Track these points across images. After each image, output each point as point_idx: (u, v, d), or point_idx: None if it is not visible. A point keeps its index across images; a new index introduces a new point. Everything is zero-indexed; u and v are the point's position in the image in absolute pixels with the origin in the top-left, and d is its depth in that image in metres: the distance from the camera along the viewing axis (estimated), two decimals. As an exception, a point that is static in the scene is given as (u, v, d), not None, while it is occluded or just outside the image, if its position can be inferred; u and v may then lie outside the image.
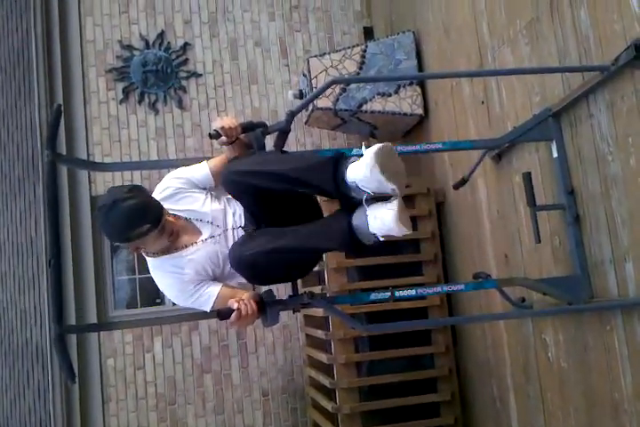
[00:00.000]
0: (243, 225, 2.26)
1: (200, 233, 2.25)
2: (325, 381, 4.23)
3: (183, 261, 2.21)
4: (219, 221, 2.26)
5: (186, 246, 2.23)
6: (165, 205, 2.21)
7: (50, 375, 4.76)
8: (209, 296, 2.19)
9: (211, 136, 2.27)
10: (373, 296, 2.51)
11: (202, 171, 2.30)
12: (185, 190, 2.27)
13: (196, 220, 2.26)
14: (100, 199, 2.17)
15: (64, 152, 4.99)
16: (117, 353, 4.99)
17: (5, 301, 4.95)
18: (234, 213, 2.29)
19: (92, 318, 4.95)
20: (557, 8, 2.93)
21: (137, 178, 5.07)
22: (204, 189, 2.32)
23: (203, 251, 2.22)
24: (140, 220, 2.05)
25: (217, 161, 2.32)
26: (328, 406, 4.16)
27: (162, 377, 5.02)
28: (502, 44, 3.49)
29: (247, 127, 2.32)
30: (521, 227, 3.42)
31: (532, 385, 3.46)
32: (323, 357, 4.26)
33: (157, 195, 2.28)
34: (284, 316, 4.99)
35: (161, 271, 2.25)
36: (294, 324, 5.16)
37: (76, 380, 2.08)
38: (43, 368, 4.80)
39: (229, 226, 2.26)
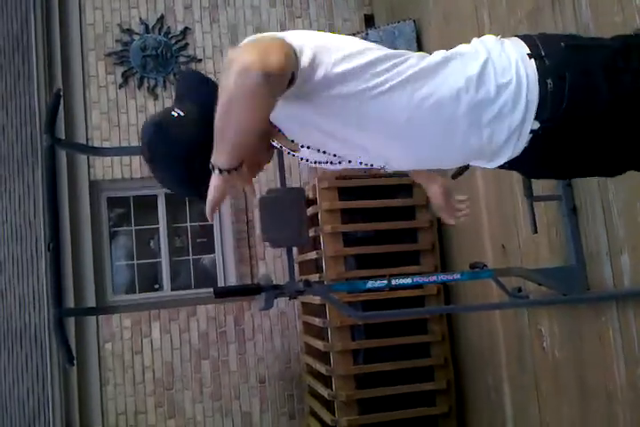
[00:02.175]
0: None
1: None
2: (322, 368, 4.26)
3: None
4: None
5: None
6: None
7: (48, 359, 4.79)
8: None
9: None
10: (370, 284, 2.53)
11: None
12: None
13: None
14: None
15: (63, 136, 4.98)
16: (115, 338, 5.01)
17: (4, 285, 4.96)
18: None
19: (91, 302, 4.97)
20: (559, -2, 2.92)
21: (136, 163, 5.06)
22: None
23: None
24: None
25: None
26: (324, 393, 4.19)
27: (159, 362, 5.04)
28: (503, 34, 3.47)
29: None
30: (518, 218, 3.42)
31: (527, 375, 3.48)
32: (319, 344, 4.29)
33: None
34: (282, 303, 5.02)
35: None
36: (292, 311, 5.18)
37: (75, 362, 2.08)
38: (41, 352, 4.82)
39: None
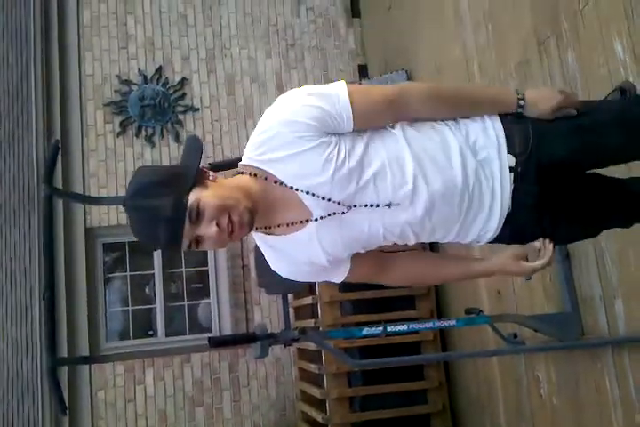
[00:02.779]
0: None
1: (308, 210, 1.41)
2: (318, 416, 4.20)
3: (287, 245, 1.47)
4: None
5: (289, 226, 1.43)
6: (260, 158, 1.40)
7: (40, 407, 4.71)
8: (336, 275, 1.55)
9: None
10: (366, 331, 2.54)
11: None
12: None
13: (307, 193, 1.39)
14: None
15: (60, 183, 5.03)
16: (108, 385, 4.94)
17: (-3, 332, 4.93)
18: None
19: (84, 348, 4.92)
20: (546, 51, 3.02)
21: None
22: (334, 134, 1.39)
23: (314, 235, 1.42)
24: (153, 240, 1.34)
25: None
26: (320, 441, 4.13)
27: (153, 410, 4.96)
28: (492, 85, 3.58)
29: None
30: (512, 263, 3.45)
31: (525, 422, 3.45)
32: (316, 391, 4.24)
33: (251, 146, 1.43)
34: (277, 349, 4.98)
35: (264, 246, 1.53)
36: (287, 357, 5.14)
37: (67, 412, 2.06)
38: (33, 400, 4.75)
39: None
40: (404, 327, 2.62)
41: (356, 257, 1.52)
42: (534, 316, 3.01)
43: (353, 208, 1.39)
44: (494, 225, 1.49)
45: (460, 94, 1.52)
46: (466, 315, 2.93)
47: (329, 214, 1.40)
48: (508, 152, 1.46)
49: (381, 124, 1.43)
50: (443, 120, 1.48)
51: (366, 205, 1.39)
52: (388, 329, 2.58)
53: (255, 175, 1.39)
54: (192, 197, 1.31)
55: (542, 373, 3.26)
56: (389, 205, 1.40)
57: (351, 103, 1.36)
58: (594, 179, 1.65)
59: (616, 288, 2.66)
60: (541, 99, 1.48)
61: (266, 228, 1.45)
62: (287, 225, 1.42)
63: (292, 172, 1.36)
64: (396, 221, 1.42)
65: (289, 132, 1.34)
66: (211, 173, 1.40)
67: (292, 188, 1.37)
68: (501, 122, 1.48)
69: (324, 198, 1.37)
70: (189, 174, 1.34)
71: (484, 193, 1.45)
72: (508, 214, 1.48)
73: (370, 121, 1.41)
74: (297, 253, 1.47)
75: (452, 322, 2.77)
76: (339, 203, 1.38)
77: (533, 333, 3.06)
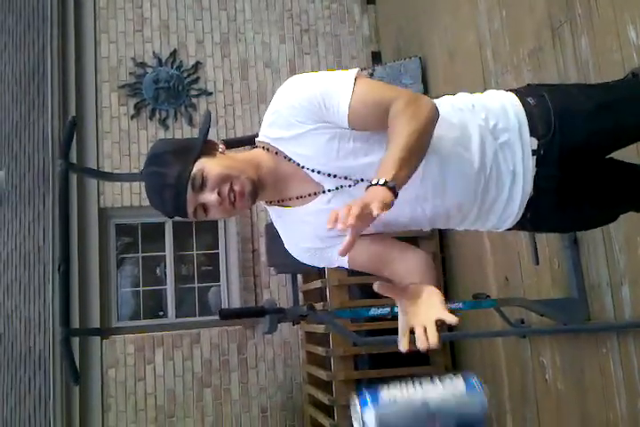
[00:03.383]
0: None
1: (317, 184, 1.44)
2: (324, 398, 4.25)
3: (299, 217, 1.49)
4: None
5: (299, 198, 1.46)
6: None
7: (51, 383, 4.80)
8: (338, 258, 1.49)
9: None
10: (373, 311, 2.57)
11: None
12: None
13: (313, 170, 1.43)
14: None
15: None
16: (119, 364, 5.02)
17: (11, 308, 5.01)
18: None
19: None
20: (559, 36, 3.02)
21: (145, 192, 5.13)
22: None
23: (325, 205, 1.44)
24: (161, 208, 1.39)
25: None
26: (326, 423, 4.18)
27: (162, 389, 5.04)
28: (506, 71, 3.59)
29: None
30: (521, 250, 3.47)
31: (530, 407, 3.48)
32: (322, 374, 4.29)
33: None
34: (285, 332, 5.04)
35: (278, 221, 1.56)
36: (295, 340, 5.19)
37: (79, 381, 2.11)
38: (44, 376, 4.83)
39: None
40: (411, 308, 2.65)
41: (360, 242, 1.35)
42: (541, 300, 3.04)
43: (361, 182, 1.40)
44: (515, 209, 1.49)
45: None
46: (473, 300, 2.96)
47: (337, 188, 1.43)
48: (531, 135, 1.46)
49: (380, 129, 1.36)
50: (460, 105, 1.49)
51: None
52: (395, 310, 2.61)
53: (268, 149, 1.44)
54: (197, 165, 1.36)
55: (547, 358, 3.28)
56: None
57: (348, 115, 1.34)
58: (611, 164, 1.67)
59: (623, 274, 2.68)
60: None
61: (279, 201, 1.48)
62: (298, 198, 1.45)
63: (298, 151, 1.41)
64: (405, 198, 1.31)
65: (290, 115, 1.38)
66: (221, 145, 1.45)
67: (299, 165, 1.42)
68: (522, 104, 1.48)
69: (329, 175, 1.41)
70: (197, 145, 1.40)
71: (504, 176, 1.45)
72: (530, 199, 1.48)
73: (367, 126, 1.37)
74: (306, 226, 1.48)
75: (459, 304, 2.79)
76: (345, 177, 1.41)
77: (540, 319, 3.09)
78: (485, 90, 1.58)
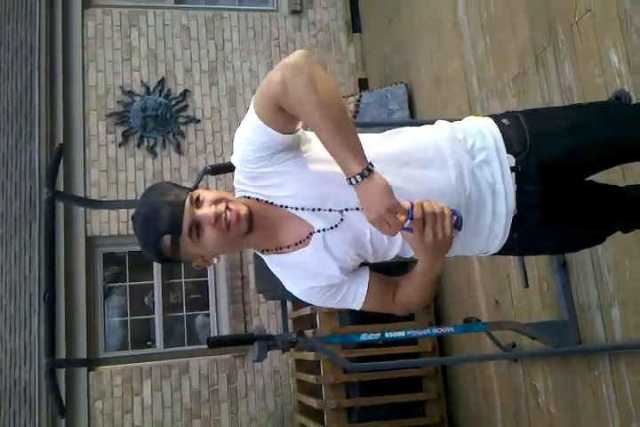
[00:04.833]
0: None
1: (308, 224, 1.43)
2: (315, 427, 4.19)
3: (299, 261, 1.47)
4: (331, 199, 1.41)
5: (290, 247, 1.46)
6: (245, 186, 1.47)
7: (37, 416, 4.69)
8: (355, 296, 1.51)
9: None
10: (363, 337, 2.54)
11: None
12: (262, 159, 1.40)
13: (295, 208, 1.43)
14: None
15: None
16: (106, 395, 4.92)
17: (-4, 339, 4.93)
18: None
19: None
20: (543, 61, 3.07)
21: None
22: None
23: (322, 244, 1.43)
24: (153, 231, 1.38)
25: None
26: (318, 452, 4.11)
27: (150, 422, 4.94)
28: (491, 96, 3.63)
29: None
30: (510, 273, 3.47)
31: (523, 432, 3.44)
32: (313, 402, 4.23)
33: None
34: (276, 360, 4.98)
35: (277, 269, 1.54)
36: (286, 369, 5.12)
37: (65, 414, 2.06)
38: (30, 409, 4.73)
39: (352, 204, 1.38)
40: (401, 334, 2.63)
41: (372, 285, 1.50)
42: (531, 323, 3.02)
43: (345, 212, 1.40)
44: (501, 229, 1.49)
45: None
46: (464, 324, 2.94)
47: (331, 227, 1.42)
48: (508, 152, 1.47)
49: (292, 122, 1.36)
50: (437, 128, 1.53)
51: (357, 208, 1.36)
52: (386, 335, 2.59)
53: (249, 197, 1.46)
54: (194, 192, 1.42)
55: (540, 382, 3.26)
56: None
57: (262, 119, 1.35)
58: (593, 186, 1.68)
59: (612, 296, 2.67)
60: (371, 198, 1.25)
61: (276, 249, 1.48)
62: (295, 244, 1.45)
63: (271, 193, 1.42)
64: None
65: (250, 162, 1.41)
66: None
67: (282, 206, 1.42)
68: (497, 125, 1.51)
69: (313, 210, 1.41)
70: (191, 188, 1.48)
71: (485, 195, 1.45)
72: (515, 218, 1.48)
73: (282, 123, 1.35)
74: (310, 268, 1.47)
75: (450, 329, 2.78)
76: (329, 210, 1.40)
77: (532, 342, 3.07)
78: (471, 115, 1.61)
